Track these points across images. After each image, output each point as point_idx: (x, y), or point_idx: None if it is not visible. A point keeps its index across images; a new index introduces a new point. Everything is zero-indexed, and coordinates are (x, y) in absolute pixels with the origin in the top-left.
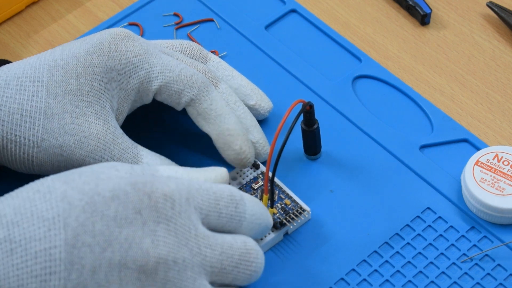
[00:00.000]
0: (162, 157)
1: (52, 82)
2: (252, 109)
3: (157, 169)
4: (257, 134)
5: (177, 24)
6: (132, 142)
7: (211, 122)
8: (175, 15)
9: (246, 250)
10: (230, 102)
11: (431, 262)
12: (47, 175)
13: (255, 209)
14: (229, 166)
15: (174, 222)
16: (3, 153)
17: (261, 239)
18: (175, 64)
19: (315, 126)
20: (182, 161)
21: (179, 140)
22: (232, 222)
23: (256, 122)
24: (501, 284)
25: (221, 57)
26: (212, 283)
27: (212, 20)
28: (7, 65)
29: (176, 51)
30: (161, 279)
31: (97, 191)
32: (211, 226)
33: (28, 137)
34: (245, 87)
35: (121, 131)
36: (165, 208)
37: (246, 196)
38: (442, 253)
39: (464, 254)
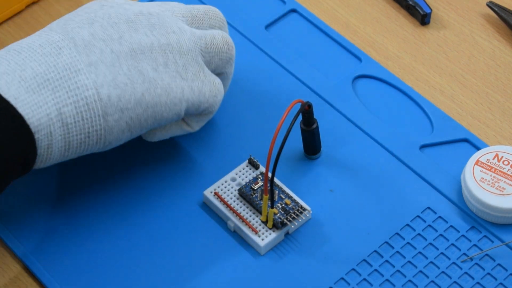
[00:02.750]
0: None
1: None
2: None
3: None
4: None
5: None
6: None
7: None
8: None
9: (208, 6)
10: None
11: (431, 262)
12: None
13: None
14: (229, 166)
15: (134, 3)
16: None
17: (262, 239)
18: None
19: (314, 125)
20: (183, 161)
21: (183, 139)
22: None
23: None
24: (501, 284)
25: None
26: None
27: None
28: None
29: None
30: (147, 24)
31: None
32: None
33: None
34: None
35: None
36: (120, 0)
37: None
38: (442, 253)
39: (464, 254)
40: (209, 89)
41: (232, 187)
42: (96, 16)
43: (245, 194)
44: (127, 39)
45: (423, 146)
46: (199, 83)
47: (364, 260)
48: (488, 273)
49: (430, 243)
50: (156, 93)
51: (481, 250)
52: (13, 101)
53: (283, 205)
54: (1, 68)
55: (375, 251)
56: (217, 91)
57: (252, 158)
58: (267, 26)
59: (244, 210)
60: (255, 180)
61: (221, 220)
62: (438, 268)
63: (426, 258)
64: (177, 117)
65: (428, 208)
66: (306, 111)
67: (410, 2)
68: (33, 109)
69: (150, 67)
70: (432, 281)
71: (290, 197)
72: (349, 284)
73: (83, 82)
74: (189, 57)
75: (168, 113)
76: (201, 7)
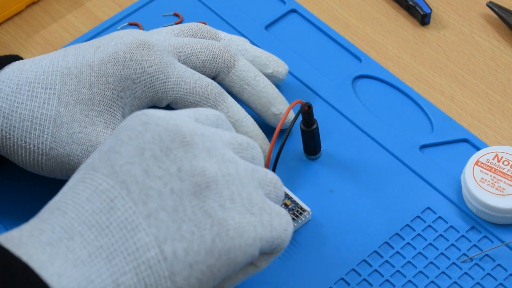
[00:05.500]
0: None
1: (64, 90)
2: (270, 76)
3: None
4: (279, 105)
5: (177, 24)
6: None
7: None
8: (175, 15)
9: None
10: (250, 78)
11: (431, 262)
12: (57, 178)
13: None
14: None
15: (178, 119)
16: (14, 157)
17: None
18: (190, 75)
19: (314, 126)
20: None
21: None
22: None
23: (278, 93)
24: (501, 284)
25: None
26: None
27: (204, 24)
28: (18, 65)
29: (187, 35)
30: (204, 148)
31: (103, 143)
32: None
33: (37, 145)
34: (260, 58)
35: None
36: (162, 114)
37: None
38: (442, 253)
39: (464, 254)
40: (279, 222)
41: None
42: (144, 142)
43: None
44: (188, 171)
45: (423, 146)
46: (267, 216)
47: (364, 260)
48: (488, 273)
49: (430, 243)
50: (229, 236)
51: (481, 250)
52: (56, 280)
53: (283, 205)
54: (45, 237)
55: (375, 251)
56: (286, 223)
57: None
58: (267, 26)
59: None
60: None
61: None
62: (438, 268)
63: (426, 258)
64: (251, 259)
65: (428, 208)
66: (306, 112)
67: (410, 2)
68: (82, 286)
69: (217, 205)
70: (432, 281)
71: (290, 198)
72: (349, 284)
73: (143, 241)
74: (251, 188)
75: (243, 257)
76: (242, 135)
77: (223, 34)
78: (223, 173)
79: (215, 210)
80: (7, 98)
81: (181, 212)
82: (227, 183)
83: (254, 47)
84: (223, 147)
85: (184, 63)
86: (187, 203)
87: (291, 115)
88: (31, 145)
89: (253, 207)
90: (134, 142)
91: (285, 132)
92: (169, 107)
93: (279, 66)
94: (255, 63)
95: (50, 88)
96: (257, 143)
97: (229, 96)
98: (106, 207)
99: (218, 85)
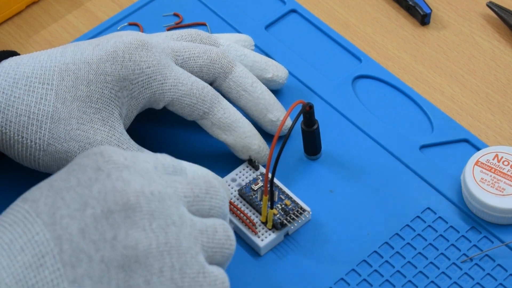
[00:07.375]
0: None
1: (62, 86)
2: (270, 81)
3: None
4: (276, 112)
5: (177, 24)
6: (138, 147)
7: (227, 129)
8: (175, 15)
9: (209, 180)
10: (247, 84)
11: (431, 262)
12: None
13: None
14: (230, 167)
15: (134, 168)
16: (10, 151)
17: (262, 240)
18: (187, 77)
19: (315, 126)
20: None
21: (184, 140)
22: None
23: (275, 99)
24: (501, 284)
25: None
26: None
27: (204, 24)
28: (16, 60)
29: (186, 40)
30: (147, 212)
31: (55, 176)
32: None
33: (35, 140)
34: (259, 63)
35: (127, 137)
36: (119, 160)
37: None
38: (442, 253)
39: (464, 254)
40: None
41: (232, 188)
42: (90, 197)
43: (245, 194)
44: (122, 240)
45: (423, 146)
46: None
47: (364, 260)
48: (488, 274)
49: (430, 244)
50: None
51: (481, 250)
52: None
53: (282, 205)
54: None
55: (375, 251)
56: None
57: (252, 158)
58: (267, 26)
59: (244, 211)
60: (255, 180)
61: None
62: (438, 268)
63: (426, 258)
64: None
65: (428, 208)
66: (307, 112)
67: (410, 2)
68: None
69: (142, 280)
70: (432, 282)
71: (290, 198)
72: (349, 284)
73: None
74: (188, 256)
75: None
76: (202, 183)
77: (222, 41)
78: (159, 243)
79: (139, 286)
80: (3, 92)
81: (105, 284)
82: (161, 254)
83: (254, 52)
84: (172, 204)
85: (181, 67)
86: (114, 275)
87: (290, 119)
88: (28, 140)
89: (184, 279)
90: (81, 191)
91: (285, 134)
92: (165, 109)
93: (279, 71)
94: (255, 68)
95: (47, 83)
96: (256, 142)
97: (224, 98)
98: (36, 262)
99: (213, 89)
